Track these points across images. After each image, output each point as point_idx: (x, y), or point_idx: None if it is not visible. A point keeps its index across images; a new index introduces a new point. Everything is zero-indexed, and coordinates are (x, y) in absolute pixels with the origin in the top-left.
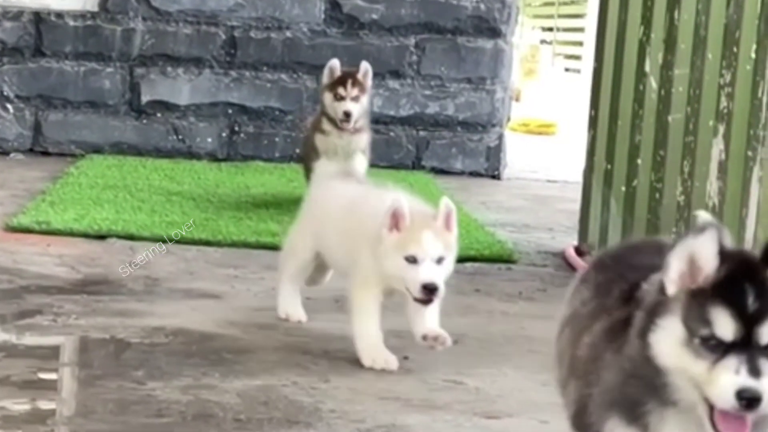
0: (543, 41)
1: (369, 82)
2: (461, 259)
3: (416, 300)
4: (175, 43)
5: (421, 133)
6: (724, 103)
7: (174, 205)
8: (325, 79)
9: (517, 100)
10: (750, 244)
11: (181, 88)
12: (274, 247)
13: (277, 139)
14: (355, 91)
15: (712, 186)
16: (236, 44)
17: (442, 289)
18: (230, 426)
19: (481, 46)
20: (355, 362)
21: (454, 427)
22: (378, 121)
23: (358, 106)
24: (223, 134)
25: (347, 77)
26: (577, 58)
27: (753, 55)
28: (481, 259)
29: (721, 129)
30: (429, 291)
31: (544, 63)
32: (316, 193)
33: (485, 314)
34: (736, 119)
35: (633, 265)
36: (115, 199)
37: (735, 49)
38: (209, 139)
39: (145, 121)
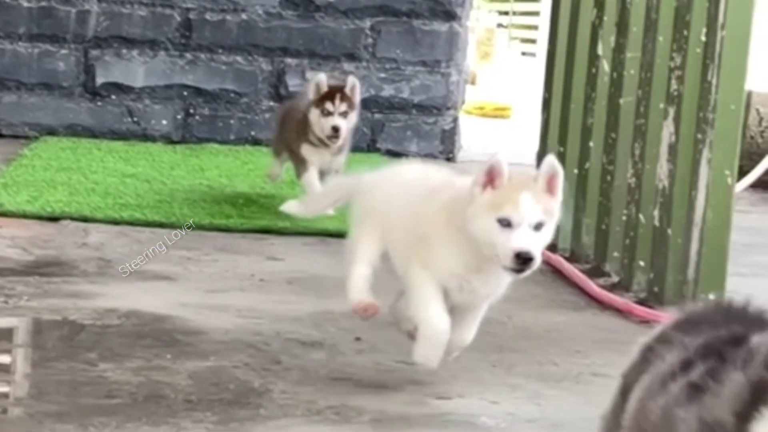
0: (499, 25)
1: (357, 98)
2: None
3: (506, 269)
4: (130, 25)
5: (376, 115)
6: (674, 86)
7: (128, 187)
8: (311, 94)
9: (472, 83)
10: (699, 226)
11: (136, 70)
12: (228, 229)
13: (232, 122)
14: (343, 107)
15: (663, 168)
16: (191, 26)
17: (537, 260)
18: (180, 407)
19: (436, 29)
20: (307, 343)
21: (405, 407)
22: None
23: (346, 122)
24: (178, 116)
25: (335, 92)
26: (533, 41)
27: (703, 38)
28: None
29: (672, 112)
30: (522, 260)
31: (500, 46)
32: (374, 194)
33: None
34: (686, 102)
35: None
36: (69, 181)
37: (685, 33)
38: (164, 122)
39: (99, 103)
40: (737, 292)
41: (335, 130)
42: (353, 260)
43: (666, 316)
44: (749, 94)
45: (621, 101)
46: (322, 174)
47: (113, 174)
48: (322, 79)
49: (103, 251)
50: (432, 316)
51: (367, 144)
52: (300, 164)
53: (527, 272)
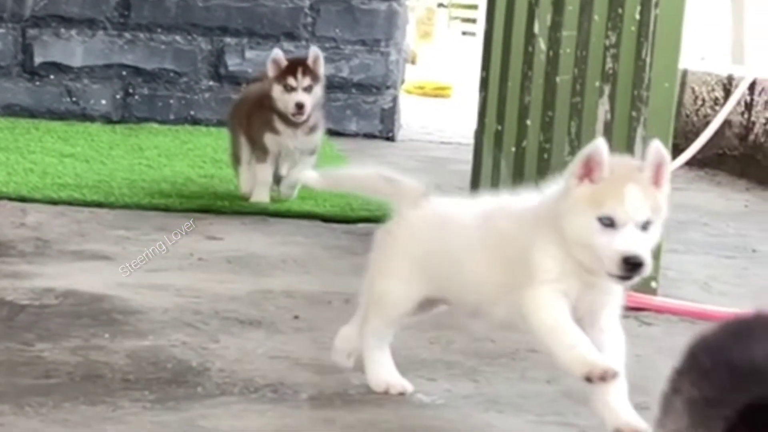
0: (440, 4)
1: (321, 69)
2: (354, 220)
3: (611, 277)
4: (68, 5)
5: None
6: (609, 64)
7: (66, 167)
8: (270, 72)
9: (413, 62)
10: None
11: (74, 49)
12: (167, 209)
13: (171, 101)
14: (306, 81)
15: None
16: (130, 6)
17: (648, 266)
18: (118, 386)
19: (375, 8)
20: (245, 322)
21: (342, 384)
22: None
23: (311, 96)
24: (118, 96)
25: (297, 65)
26: (473, 21)
27: (637, 17)
28: (375, 220)
29: (607, 90)
30: (630, 266)
31: (440, 26)
32: (410, 228)
33: None
34: (621, 80)
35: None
36: (6, 161)
37: (620, 11)
38: (103, 101)
39: (38, 83)
40: (671, 268)
41: (299, 106)
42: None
43: None
44: (684, 73)
45: (557, 80)
46: (298, 160)
47: (52, 154)
48: (278, 54)
49: (41, 231)
50: (582, 354)
51: None
52: (260, 153)
53: (635, 280)
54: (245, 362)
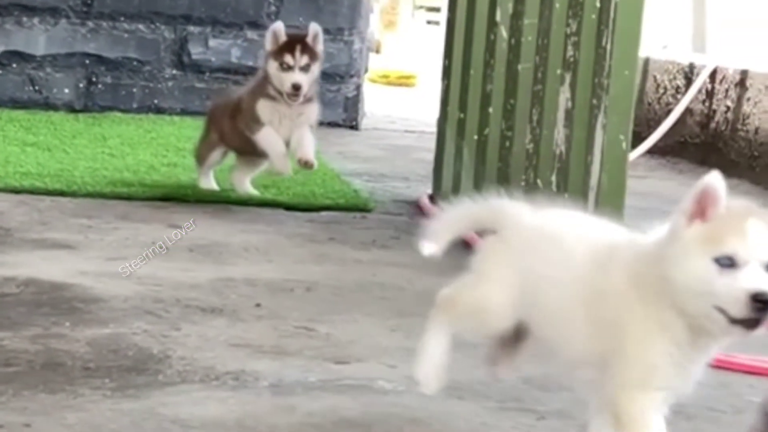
0: None
1: (320, 47)
2: (317, 208)
3: (734, 325)
4: None
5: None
6: (570, 52)
7: (29, 156)
8: (268, 45)
9: (377, 52)
10: (594, 190)
11: (37, 38)
12: (129, 198)
13: (134, 90)
14: (304, 59)
15: (560, 134)
16: None
17: None
18: (79, 374)
19: None
20: (207, 310)
21: (303, 372)
22: (236, 71)
23: (308, 76)
24: (81, 85)
25: (295, 43)
26: (437, 10)
27: (598, 5)
28: (337, 208)
29: (568, 78)
30: (761, 305)
31: (404, 15)
32: (520, 238)
33: (338, 262)
34: (582, 68)
35: None
36: None
37: None
38: (66, 90)
39: (0, 71)
40: None
41: (295, 87)
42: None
43: None
44: (646, 62)
45: (519, 68)
46: (293, 129)
47: (14, 143)
48: (279, 27)
49: (3, 220)
50: None
51: None
52: (253, 123)
53: (763, 325)
54: (206, 350)
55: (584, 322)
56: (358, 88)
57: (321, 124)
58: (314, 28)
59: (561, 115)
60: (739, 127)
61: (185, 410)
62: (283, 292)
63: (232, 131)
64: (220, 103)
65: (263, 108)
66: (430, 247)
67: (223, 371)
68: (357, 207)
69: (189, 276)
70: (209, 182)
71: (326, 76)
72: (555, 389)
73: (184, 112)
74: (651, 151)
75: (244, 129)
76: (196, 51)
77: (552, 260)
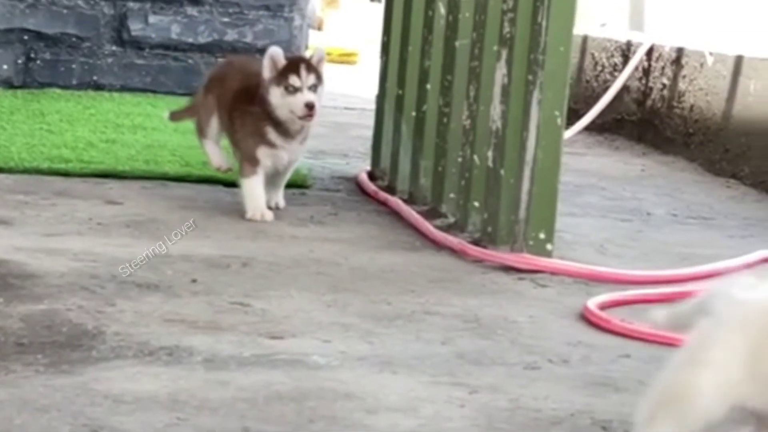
0: None
1: (323, 71)
2: None
3: None
4: None
5: (220, 60)
6: (507, 28)
7: None
8: (267, 72)
9: (319, 29)
10: (530, 166)
11: None
12: (67, 174)
13: (74, 66)
14: (312, 79)
15: (496, 110)
16: None
17: None
18: (11, 350)
19: None
20: (143, 285)
21: (237, 347)
22: (176, 48)
23: (316, 97)
24: (19, 61)
25: (298, 63)
26: None
27: None
28: None
29: (504, 54)
30: None
31: None
32: (746, 315)
33: (275, 238)
34: (518, 44)
35: None
36: None
37: None
38: (5, 66)
39: None
40: (568, 231)
41: (309, 107)
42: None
43: (498, 256)
44: (585, 39)
45: (456, 44)
46: (286, 171)
47: None
48: (277, 52)
49: None
50: None
51: None
52: (248, 166)
53: None
54: (141, 325)
55: None
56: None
57: None
58: (320, 52)
59: (497, 91)
60: (675, 104)
61: (118, 385)
62: (219, 268)
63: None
64: (218, 76)
65: (264, 156)
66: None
67: (157, 346)
68: (295, 183)
69: (125, 252)
70: (217, 156)
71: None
72: (488, 363)
73: (123, 89)
74: (589, 128)
75: (239, 164)
76: (135, 27)
77: None
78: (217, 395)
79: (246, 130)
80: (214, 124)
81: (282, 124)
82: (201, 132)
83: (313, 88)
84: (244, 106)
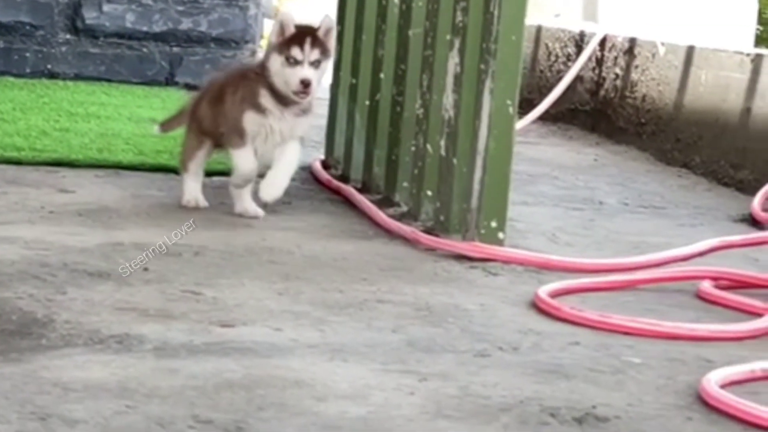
0: None
1: (332, 42)
2: (208, 173)
3: None
4: None
5: (175, 49)
6: (459, 17)
7: None
8: (274, 36)
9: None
10: (482, 155)
11: None
12: (19, 162)
13: (27, 55)
14: (315, 54)
15: (448, 99)
16: None
17: None
18: None
19: None
20: (94, 274)
21: (187, 335)
22: (131, 37)
23: (318, 73)
24: None
25: (305, 35)
26: None
27: None
28: (229, 173)
29: (457, 43)
30: None
31: None
32: None
33: (228, 227)
34: (470, 33)
35: None
36: None
37: None
38: None
39: None
40: (520, 220)
41: (305, 84)
42: None
43: (450, 244)
44: (539, 30)
45: (410, 33)
46: (281, 144)
47: None
48: (288, 17)
49: None
50: None
51: (165, 78)
52: (235, 135)
53: None
54: (92, 314)
55: None
56: (254, 54)
57: None
58: (328, 21)
59: (450, 80)
60: (627, 94)
61: (67, 374)
62: (171, 257)
63: (210, 118)
64: (202, 94)
65: (250, 122)
66: None
67: (108, 335)
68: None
69: (77, 240)
70: (193, 193)
71: (221, 42)
72: (438, 351)
73: (77, 77)
74: (543, 118)
75: (224, 137)
76: (90, 16)
77: None
78: (167, 383)
79: (236, 96)
80: (200, 157)
81: (276, 90)
82: (184, 166)
83: (316, 63)
84: (237, 82)
